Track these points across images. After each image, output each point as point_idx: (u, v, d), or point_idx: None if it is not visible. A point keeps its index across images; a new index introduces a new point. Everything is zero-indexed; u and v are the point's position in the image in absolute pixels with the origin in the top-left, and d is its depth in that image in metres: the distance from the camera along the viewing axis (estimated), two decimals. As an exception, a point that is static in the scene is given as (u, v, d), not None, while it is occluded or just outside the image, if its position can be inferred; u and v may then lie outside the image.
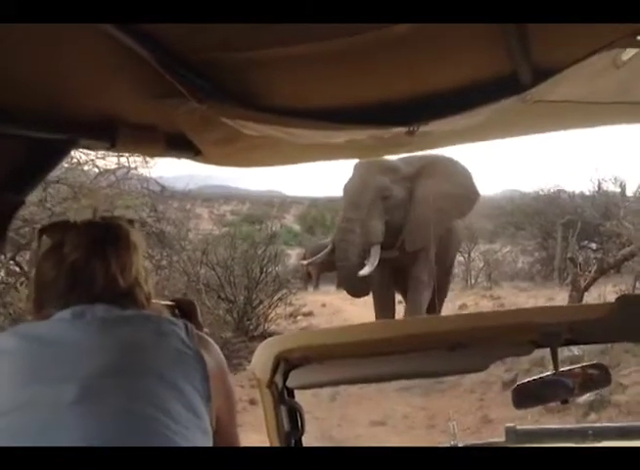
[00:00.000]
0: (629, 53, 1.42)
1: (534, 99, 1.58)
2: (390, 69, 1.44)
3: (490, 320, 2.08)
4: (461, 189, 11.27)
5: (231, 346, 11.69)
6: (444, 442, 3.08)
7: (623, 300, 1.88)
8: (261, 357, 2.04)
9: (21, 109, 1.34)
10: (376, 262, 10.55)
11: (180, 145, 1.84)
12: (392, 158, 11.05)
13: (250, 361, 7.58)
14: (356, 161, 11.29)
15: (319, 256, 11.98)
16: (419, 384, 9.28)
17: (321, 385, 2.15)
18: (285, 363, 2.02)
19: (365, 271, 10.47)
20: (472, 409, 8.01)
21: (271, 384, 2.02)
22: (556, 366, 1.92)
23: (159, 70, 1.33)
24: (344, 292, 16.47)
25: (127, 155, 9.98)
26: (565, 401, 2.02)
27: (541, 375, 1.99)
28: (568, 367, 1.97)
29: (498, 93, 1.49)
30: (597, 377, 1.99)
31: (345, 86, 1.53)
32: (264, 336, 10.35)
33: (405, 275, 11.41)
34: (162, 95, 1.48)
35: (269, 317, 13.49)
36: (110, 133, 1.58)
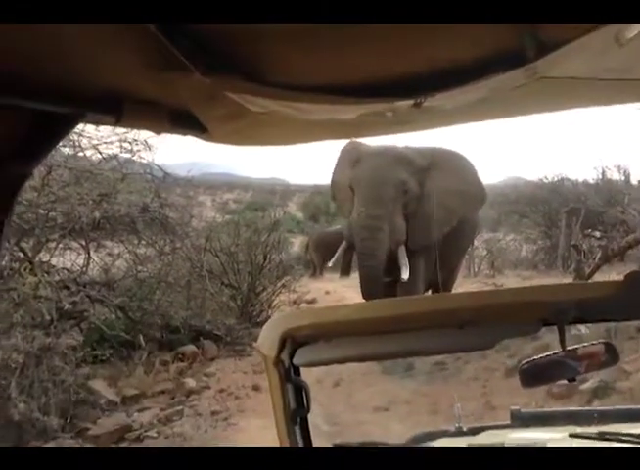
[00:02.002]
0: (634, 30, 1.41)
1: (539, 75, 1.57)
2: (398, 42, 1.43)
3: (499, 298, 2.07)
4: (470, 187, 10.83)
5: (235, 332, 11.76)
6: (449, 426, 3.09)
7: (633, 276, 1.86)
8: (268, 335, 2.04)
9: (27, 81, 1.33)
10: (407, 264, 9.96)
11: (186, 122, 1.82)
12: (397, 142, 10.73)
13: (253, 347, 7.66)
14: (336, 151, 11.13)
15: (336, 256, 10.88)
16: (422, 370, 9.32)
17: (328, 363, 2.15)
18: (291, 341, 2.01)
19: (406, 275, 9.83)
20: (475, 396, 8.02)
21: (278, 362, 2.02)
22: (563, 344, 1.92)
23: (164, 42, 1.32)
24: (348, 279, 16.52)
25: (130, 140, 10.03)
26: (572, 380, 2.01)
27: (548, 353, 1.98)
28: (575, 346, 1.97)
29: (503, 65, 1.48)
30: (605, 355, 1.98)
31: (354, 60, 1.52)
32: (268, 322, 10.34)
33: (397, 277, 10.24)
34: (167, 68, 1.46)
35: (273, 304, 13.52)
36: (115, 108, 1.57)
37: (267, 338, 2.04)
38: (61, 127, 1.51)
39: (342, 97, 1.57)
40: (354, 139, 10.87)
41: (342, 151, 11.27)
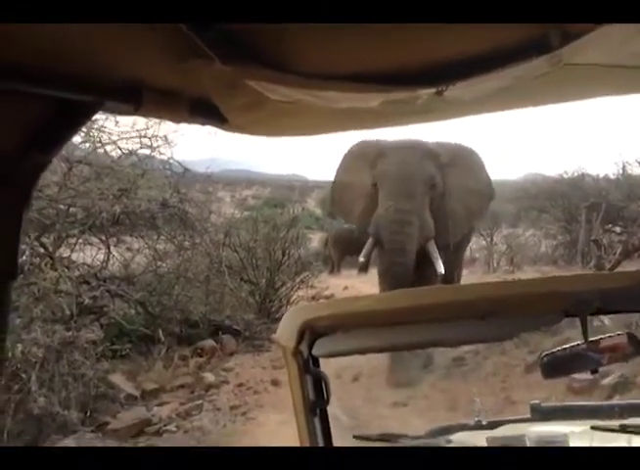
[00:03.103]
0: None
1: (564, 62, 1.55)
2: (421, 30, 1.42)
3: (520, 288, 2.05)
4: (484, 187, 10.59)
5: (253, 327, 11.79)
6: (468, 420, 3.08)
7: (656, 267, 1.84)
8: (287, 326, 2.03)
9: (47, 69, 1.34)
10: (440, 258, 9.57)
11: (205, 112, 1.82)
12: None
13: (272, 342, 7.67)
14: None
15: (366, 250, 10.06)
16: (441, 366, 9.29)
17: (347, 353, 2.15)
18: (310, 332, 2.01)
19: (441, 269, 9.50)
20: (494, 391, 7.98)
21: (296, 353, 2.02)
22: (586, 336, 1.89)
23: (184, 30, 1.31)
24: (366, 276, 16.47)
25: (150, 136, 10.07)
26: (594, 372, 1.98)
27: (570, 345, 1.96)
28: (598, 337, 1.94)
29: (528, 53, 1.47)
30: (628, 347, 1.96)
31: (376, 48, 1.51)
32: (286, 318, 10.32)
33: (423, 273, 9.63)
34: (188, 57, 1.46)
35: (291, 300, 13.51)
36: (134, 97, 1.57)
37: (286, 329, 2.04)
38: (80, 116, 1.52)
39: (363, 85, 1.56)
40: (364, 138, 10.72)
41: (352, 151, 10.81)
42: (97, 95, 1.48)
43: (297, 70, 1.53)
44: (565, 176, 20.09)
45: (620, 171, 18.09)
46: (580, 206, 17.57)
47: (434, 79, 1.54)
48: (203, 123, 1.91)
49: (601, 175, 19.37)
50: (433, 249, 9.65)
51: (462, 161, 10.42)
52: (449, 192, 9.96)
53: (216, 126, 1.94)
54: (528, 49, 1.46)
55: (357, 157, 10.63)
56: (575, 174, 19.83)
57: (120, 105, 1.61)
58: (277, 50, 1.48)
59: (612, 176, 18.70)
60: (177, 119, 1.87)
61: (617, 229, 17.10)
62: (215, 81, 1.59)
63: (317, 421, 2.14)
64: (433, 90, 1.56)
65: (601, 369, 2.09)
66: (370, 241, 9.98)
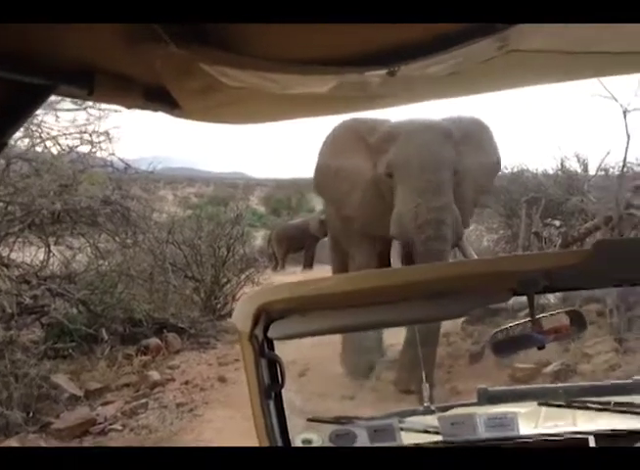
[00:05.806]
0: None
1: (510, 47, 1.59)
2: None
3: (468, 269, 2.10)
4: (494, 164, 9.28)
5: (199, 325, 11.74)
6: (417, 406, 3.13)
7: (601, 245, 1.91)
8: (243, 310, 2.05)
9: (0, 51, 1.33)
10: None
11: (159, 97, 1.81)
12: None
13: (218, 340, 7.63)
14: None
15: (396, 260, 8.08)
16: (387, 358, 9.38)
17: (302, 335, 2.17)
18: (266, 316, 2.02)
19: None
20: (440, 382, 8.09)
21: (252, 337, 2.03)
22: (532, 314, 1.95)
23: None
24: (311, 272, 16.52)
25: (90, 131, 9.93)
26: (541, 348, 2.04)
27: (518, 322, 2.02)
28: (544, 314, 2.01)
29: (473, 35, 1.50)
30: (573, 323, 2.02)
31: (327, 30, 1.53)
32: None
33: None
34: (141, 39, 1.46)
35: (237, 296, 13.47)
36: (88, 80, 1.56)
37: (242, 312, 2.05)
38: (35, 98, 1.51)
39: (315, 67, 1.58)
40: (354, 117, 8.86)
41: (342, 131, 8.92)
42: (50, 78, 1.48)
43: (251, 53, 1.54)
44: (505, 171, 20.36)
45: (559, 166, 18.43)
46: (520, 200, 17.84)
47: (385, 61, 1.57)
48: (156, 110, 1.91)
49: (540, 170, 19.70)
50: (467, 247, 8.68)
51: (474, 137, 8.86)
52: (462, 175, 8.44)
53: (169, 113, 1.94)
54: (474, 31, 1.50)
55: (350, 138, 8.84)
56: (515, 169, 20.13)
57: (74, 88, 1.60)
58: (230, 32, 1.49)
59: (551, 171, 19.03)
60: (131, 105, 1.87)
61: (557, 223, 17.43)
62: (169, 65, 1.59)
63: (272, 404, 2.17)
64: (384, 72, 1.59)
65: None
66: (396, 245, 8.20)
